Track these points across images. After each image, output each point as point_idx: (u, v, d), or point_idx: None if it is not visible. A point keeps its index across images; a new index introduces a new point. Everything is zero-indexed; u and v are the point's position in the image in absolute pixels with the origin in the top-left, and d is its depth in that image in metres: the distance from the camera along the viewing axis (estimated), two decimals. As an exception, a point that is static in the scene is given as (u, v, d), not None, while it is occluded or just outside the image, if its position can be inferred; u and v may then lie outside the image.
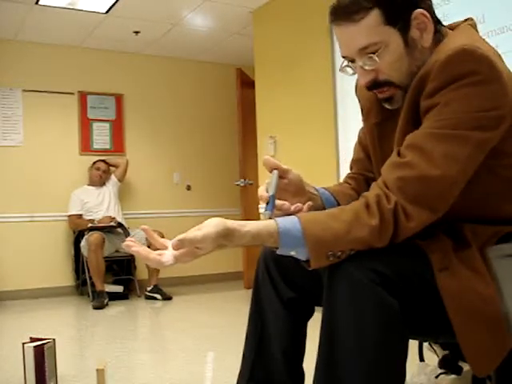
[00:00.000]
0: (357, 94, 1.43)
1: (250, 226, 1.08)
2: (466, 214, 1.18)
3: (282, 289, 1.37)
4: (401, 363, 1.09)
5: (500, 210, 1.19)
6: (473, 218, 1.17)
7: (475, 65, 1.07)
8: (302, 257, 1.08)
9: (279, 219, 1.09)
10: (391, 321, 1.04)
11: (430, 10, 1.19)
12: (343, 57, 1.21)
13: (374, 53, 1.15)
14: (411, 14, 1.15)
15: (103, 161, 5.51)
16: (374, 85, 1.20)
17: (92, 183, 5.45)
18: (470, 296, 1.07)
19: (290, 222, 1.07)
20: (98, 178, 5.42)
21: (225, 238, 1.09)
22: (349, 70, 1.24)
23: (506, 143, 1.14)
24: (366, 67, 1.17)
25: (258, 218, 4.92)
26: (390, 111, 1.28)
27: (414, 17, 1.16)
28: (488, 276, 1.08)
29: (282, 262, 1.38)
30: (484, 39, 1.19)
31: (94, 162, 5.50)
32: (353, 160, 1.51)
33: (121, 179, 5.62)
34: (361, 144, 1.47)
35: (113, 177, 5.57)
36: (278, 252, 1.10)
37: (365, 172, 1.45)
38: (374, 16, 1.13)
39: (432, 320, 1.13)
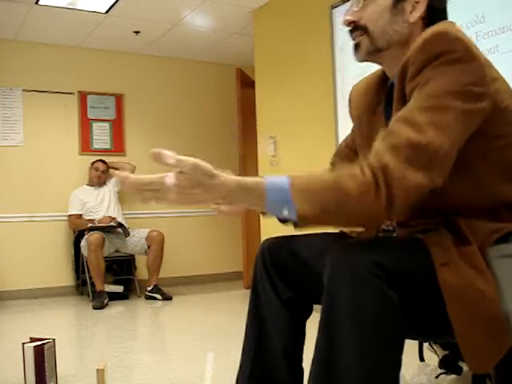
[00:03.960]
0: (350, 104, 1.51)
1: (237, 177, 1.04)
2: (462, 202, 1.19)
3: (280, 288, 1.38)
4: (397, 357, 1.09)
5: (495, 194, 1.20)
6: (469, 205, 1.18)
7: (450, 45, 1.11)
8: (293, 215, 1.03)
9: (266, 177, 1.06)
10: (391, 315, 1.05)
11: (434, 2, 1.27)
12: None
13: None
14: None
15: (102, 161, 5.50)
16: (353, 27, 1.30)
17: (91, 183, 5.45)
18: (471, 292, 1.07)
19: (277, 177, 1.05)
20: (97, 179, 5.42)
21: (209, 175, 0.98)
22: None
23: (492, 126, 1.15)
24: (354, 8, 1.30)
25: (259, 218, 4.92)
26: (379, 112, 1.34)
27: None
28: (488, 274, 1.09)
29: (281, 261, 1.39)
30: (461, 29, 1.21)
31: (93, 162, 5.50)
32: (335, 154, 1.61)
33: None
34: (346, 141, 1.58)
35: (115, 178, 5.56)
36: (268, 210, 1.05)
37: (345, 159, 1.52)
38: None
39: (432, 317, 1.14)
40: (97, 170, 5.43)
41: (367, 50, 1.30)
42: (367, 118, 1.38)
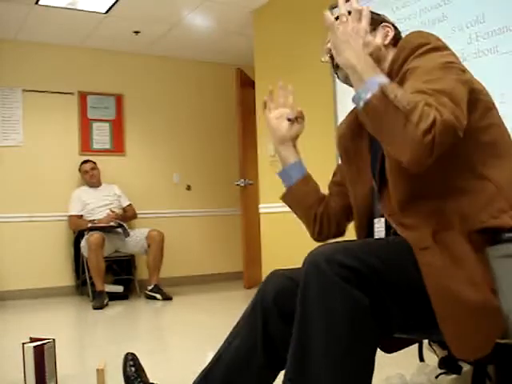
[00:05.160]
0: (337, 142, 1.59)
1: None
2: (450, 185, 1.22)
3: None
4: (369, 357, 1.11)
5: (479, 175, 1.23)
6: (457, 188, 1.22)
7: (425, 38, 1.29)
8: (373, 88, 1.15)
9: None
10: (359, 317, 1.07)
11: (394, 26, 1.51)
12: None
13: None
14: (380, 24, 1.47)
15: (85, 161, 5.50)
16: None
17: (89, 185, 5.45)
18: (449, 276, 1.10)
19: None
20: (91, 178, 5.42)
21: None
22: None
23: (473, 107, 1.23)
24: None
25: (259, 218, 4.92)
26: (364, 141, 1.44)
27: (381, 26, 1.47)
28: (470, 261, 1.11)
29: (286, 314, 1.35)
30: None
31: (80, 166, 5.51)
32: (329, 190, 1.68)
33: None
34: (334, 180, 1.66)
35: (115, 187, 5.57)
36: (357, 88, 1.20)
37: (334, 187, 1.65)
38: None
39: (417, 314, 1.16)
40: (86, 172, 5.43)
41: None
42: (353, 145, 1.48)
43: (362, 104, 1.17)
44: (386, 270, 1.11)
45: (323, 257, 1.09)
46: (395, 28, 1.49)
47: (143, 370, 1.94)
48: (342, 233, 1.63)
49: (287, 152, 1.61)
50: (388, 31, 1.46)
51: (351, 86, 1.45)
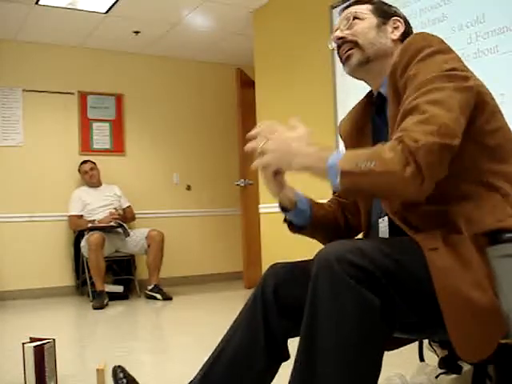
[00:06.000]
0: (340, 133, 1.59)
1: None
2: (455, 188, 1.22)
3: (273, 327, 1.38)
4: (377, 357, 1.11)
5: (484, 181, 1.23)
6: (460, 192, 1.22)
7: (427, 41, 1.27)
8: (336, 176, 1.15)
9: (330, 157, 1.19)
10: (369, 317, 1.07)
11: (405, 20, 1.51)
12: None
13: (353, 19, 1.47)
14: (391, 17, 1.48)
15: (85, 161, 5.50)
16: (342, 42, 1.45)
17: (89, 185, 5.45)
18: (458, 278, 1.10)
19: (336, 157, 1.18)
20: (91, 178, 5.42)
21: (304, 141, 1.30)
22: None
23: (480, 110, 1.22)
24: (342, 27, 1.47)
25: (259, 218, 4.92)
26: (366, 135, 1.44)
27: (393, 19, 1.48)
28: (477, 263, 1.11)
29: (286, 305, 1.37)
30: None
31: (79, 167, 5.50)
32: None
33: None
34: None
35: (116, 187, 5.57)
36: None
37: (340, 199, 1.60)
38: (368, 6, 1.48)
39: (423, 314, 1.16)
40: (86, 172, 5.43)
41: (358, 60, 1.42)
42: (356, 142, 1.46)
43: (340, 188, 1.15)
44: (396, 270, 1.11)
45: (334, 256, 1.09)
46: (406, 23, 1.48)
47: (134, 380, 1.93)
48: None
49: (288, 192, 1.43)
50: (398, 26, 1.46)
51: (357, 78, 1.48)
